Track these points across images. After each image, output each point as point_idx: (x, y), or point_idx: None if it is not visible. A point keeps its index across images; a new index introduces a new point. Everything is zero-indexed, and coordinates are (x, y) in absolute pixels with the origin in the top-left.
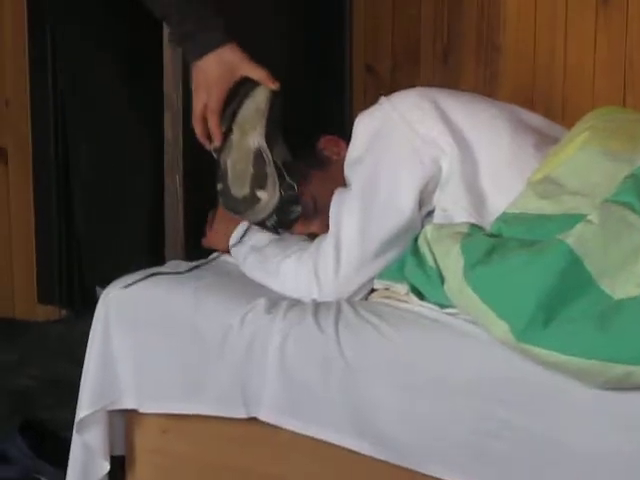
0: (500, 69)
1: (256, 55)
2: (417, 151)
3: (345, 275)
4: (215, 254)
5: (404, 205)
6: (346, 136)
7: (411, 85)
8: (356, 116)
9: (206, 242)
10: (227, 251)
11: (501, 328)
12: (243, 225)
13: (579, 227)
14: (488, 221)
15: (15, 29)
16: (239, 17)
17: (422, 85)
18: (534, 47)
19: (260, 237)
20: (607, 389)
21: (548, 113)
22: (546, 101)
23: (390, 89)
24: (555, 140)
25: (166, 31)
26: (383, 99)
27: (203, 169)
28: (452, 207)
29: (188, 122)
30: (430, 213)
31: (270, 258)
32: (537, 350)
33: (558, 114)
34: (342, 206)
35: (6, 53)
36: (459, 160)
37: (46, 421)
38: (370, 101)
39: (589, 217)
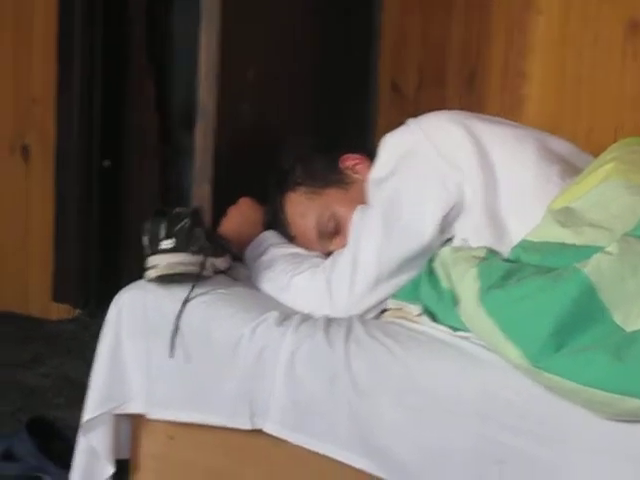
0: (525, 95)
1: (283, 68)
2: (443, 176)
3: (359, 293)
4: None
5: (425, 229)
6: (369, 152)
7: (435, 106)
8: (379, 133)
9: (221, 228)
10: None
11: (515, 352)
12: (263, 236)
13: (596, 257)
14: (508, 250)
15: (45, 27)
16: (269, 29)
17: (447, 107)
18: (561, 74)
19: (274, 252)
20: (617, 421)
21: (573, 141)
22: (571, 129)
23: (415, 108)
24: (580, 170)
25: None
26: (411, 121)
27: (231, 178)
28: (473, 236)
29: (220, 130)
30: (449, 240)
31: (282, 273)
32: (551, 376)
33: (582, 142)
34: (362, 224)
35: (35, 51)
36: (483, 188)
37: (55, 420)
38: (394, 119)
39: (607, 248)
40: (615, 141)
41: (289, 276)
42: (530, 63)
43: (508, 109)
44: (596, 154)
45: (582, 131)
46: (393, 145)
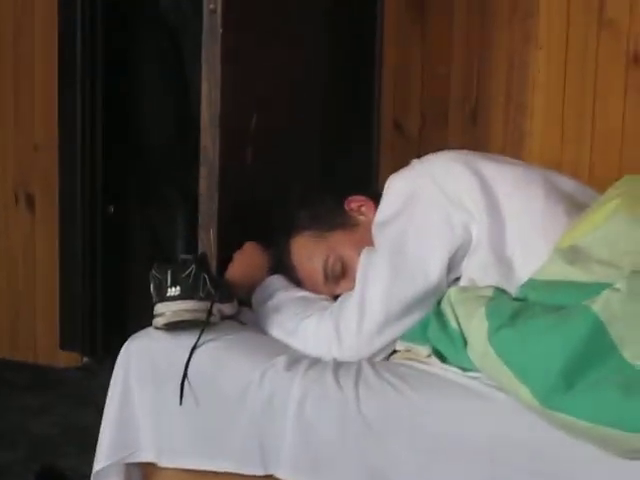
0: (528, 131)
1: (286, 113)
2: (448, 217)
3: (367, 335)
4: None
5: (432, 270)
6: (373, 194)
7: (438, 144)
8: (383, 173)
9: (227, 274)
10: (242, 282)
11: (524, 393)
12: (270, 280)
13: (605, 294)
14: (515, 288)
15: (45, 74)
16: (273, 76)
17: (450, 144)
18: (562, 109)
19: (281, 296)
20: (630, 458)
21: (575, 175)
22: (573, 164)
23: (418, 147)
24: (586, 206)
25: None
26: (415, 161)
27: (236, 222)
28: (480, 275)
29: (223, 176)
30: (457, 279)
31: (290, 317)
32: (561, 416)
33: (585, 177)
34: (369, 266)
35: (36, 98)
36: (489, 227)
37: (65, 469)
38: (398, 159)
39: (616, 285)
40: (619, 175)
41: (297, 320)
42: (532, 98)
43: (510, 145)
44: (599, 189)
45: (584, 165)
46: (398, 187)
